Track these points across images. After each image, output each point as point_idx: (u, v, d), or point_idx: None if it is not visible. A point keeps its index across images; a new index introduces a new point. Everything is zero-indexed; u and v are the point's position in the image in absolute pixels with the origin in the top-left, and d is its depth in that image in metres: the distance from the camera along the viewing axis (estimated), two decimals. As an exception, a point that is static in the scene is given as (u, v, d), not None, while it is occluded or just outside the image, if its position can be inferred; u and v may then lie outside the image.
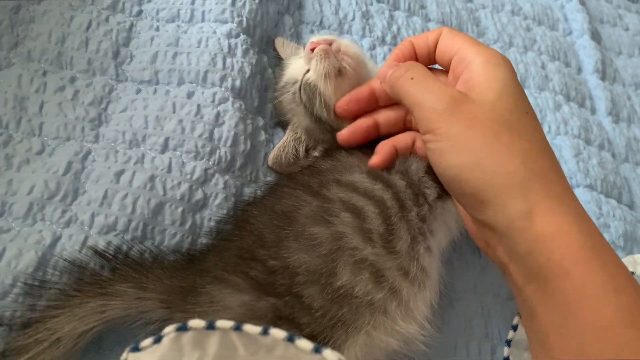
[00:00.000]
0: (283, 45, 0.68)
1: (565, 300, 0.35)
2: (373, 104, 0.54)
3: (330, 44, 0.55)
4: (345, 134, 0.54)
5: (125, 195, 0.50)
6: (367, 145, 0.54)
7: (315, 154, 0.59)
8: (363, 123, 0.54)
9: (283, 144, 0.59)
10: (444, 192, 0.50)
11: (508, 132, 0.40)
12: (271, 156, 0.59)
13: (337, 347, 0.42)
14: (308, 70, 0.57)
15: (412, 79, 0.45)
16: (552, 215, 0.37)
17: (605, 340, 0.34)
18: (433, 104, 0.42)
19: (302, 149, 0.59)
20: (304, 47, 0.58)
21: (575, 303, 0.35)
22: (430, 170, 0.51)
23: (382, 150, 0.52)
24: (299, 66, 0.60)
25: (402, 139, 0.53)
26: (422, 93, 0.43)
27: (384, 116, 0.54)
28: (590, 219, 0.39)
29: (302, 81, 0.57)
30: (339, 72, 0.55)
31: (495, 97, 0.41)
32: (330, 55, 0.55)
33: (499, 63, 0.43)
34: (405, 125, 0.54)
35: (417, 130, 0.53)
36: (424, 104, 0.43)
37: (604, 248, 0.37)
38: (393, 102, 0.53)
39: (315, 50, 0.55)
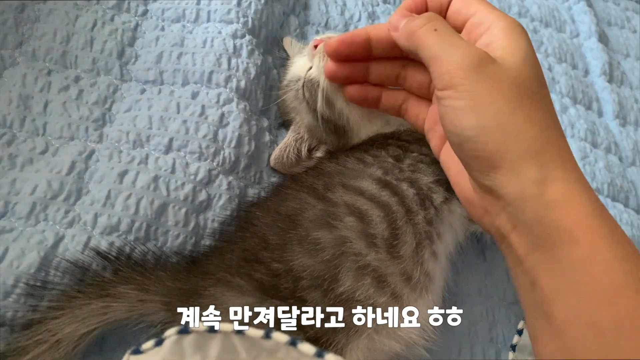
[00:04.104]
0: (291, 45, 0.68)
1: (571, 267, 0.35)
2: (366, 52, 0.50)
3: None
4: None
5: (129, 196, 0.50)
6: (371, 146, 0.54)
7: (319, 154, 0.59)
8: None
9: (285, 144, 0.58)
10: (450, 195, 0.50)
11: (529, 99, 0.39)
12: (273, 156, 0.59)
13: (338, 351, 0.42)
14: (311, 68, 0.57)
15: (435, 30, 0.42)
16: (565, 182, 0.37)
17: (612, 305, 0.33)
18: (458, 59, 0.40)
19: (304, 149, 0.58)
20: (309, 46, 0.58)
21: (582, 270, 0.35)
22: (439, 180, 0.51)
23: (367, 90, 0.52)
24: (302, 64, 0.60)
25: (391, 96, 0.51)
26: (447, 46, 0.41)
27: (376, 68, 0.51)
28: (593, 190, 0.39)
29: (304, 78, 0.57)
30: None
31: (520, 64, 0.41)
32: None
33: (521, 32, 0.42)
34: (397, 82, 0.51)
35: (409, 91, 0.51)
36: (448, 58, 0.40)
37: (609, 217, 0.37)
38: (387, 55, 0.50)
39: (318, 47, 0.55)
